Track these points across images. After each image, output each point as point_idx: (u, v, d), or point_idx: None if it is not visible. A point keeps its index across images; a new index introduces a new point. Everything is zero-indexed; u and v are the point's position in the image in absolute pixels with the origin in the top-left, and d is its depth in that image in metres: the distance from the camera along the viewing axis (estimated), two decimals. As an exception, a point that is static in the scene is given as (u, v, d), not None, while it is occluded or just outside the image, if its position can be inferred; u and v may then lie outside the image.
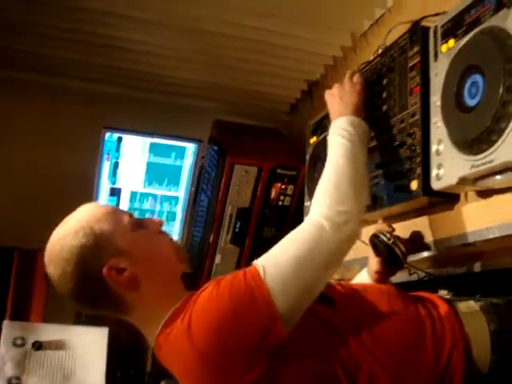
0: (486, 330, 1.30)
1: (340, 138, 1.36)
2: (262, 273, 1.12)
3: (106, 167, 2.56)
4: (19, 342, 2.53)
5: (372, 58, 1.74)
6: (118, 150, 2.53)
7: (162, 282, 1.25)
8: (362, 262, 1.88)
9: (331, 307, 1.25)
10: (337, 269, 1.26)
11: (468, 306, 1.37)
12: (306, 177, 2.15)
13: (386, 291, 1.38)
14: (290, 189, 2.44)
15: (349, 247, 1.25)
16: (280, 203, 2.44)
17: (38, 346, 2.54)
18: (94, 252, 1.20)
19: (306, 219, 1.24)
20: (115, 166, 2.56)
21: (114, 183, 2.58)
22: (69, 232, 1.22)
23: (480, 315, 1.33)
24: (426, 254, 1.55)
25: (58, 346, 2.59)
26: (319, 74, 2.56)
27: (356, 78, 1.54)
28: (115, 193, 2.60)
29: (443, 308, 1.34)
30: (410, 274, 1.63)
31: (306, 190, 2.14)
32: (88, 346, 2.62)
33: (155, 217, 2.70)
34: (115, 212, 1.29)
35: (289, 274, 1.13)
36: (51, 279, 1.24)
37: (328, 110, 1.52)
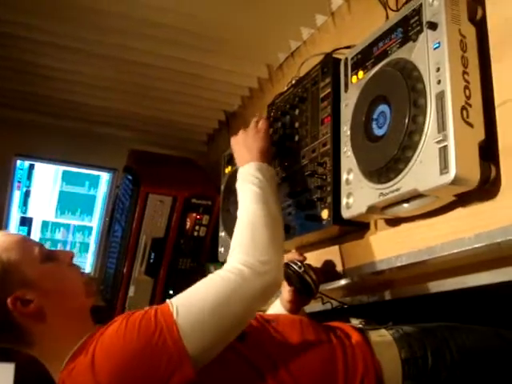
0: (397, 358, 1.30)
1: (250, 184, 1.34)
2: (174, 312, 1.09)
3: (17, 196, 2.47)
4: None
5: (285, 88, 1.76)
6: (29, 177, 2.44)
7: (69, 316, 1.21)
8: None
9: (242, 341, 1.23)
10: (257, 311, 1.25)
11: (380, 335, 1.37)
12: (221, 207, 2.14)
13: (298, 321, 1.37)
14: (206, 219, 2.41)
15: (271, 294, 1.24)
16: (195, 233, 2.41)
17: None
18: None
19: (225, 265, 1.20)
20: (26, 194, 2.47)
21: (24, 212, 2.49)
22: None
23: (391, 343, 1.34)
24: (338, 282, 1.55)
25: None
26: (237, 105, 2.57)
27: (261, 123, 1.53)
28: (26, 222, 2.51)
29: (355, 337, 1.33)
30: (323, 303, 1.63)
31: (220, 220, 2.13)
32: (-9, 384, 2.49)
33: (67, 248, 2.61)
34: (25, 242, 1.26)
35: (203, 319, 1.10)
36: None
37: (234, 156, 1.52)
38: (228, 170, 2.11)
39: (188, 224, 2.39)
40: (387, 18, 1.46)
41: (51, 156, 2.53)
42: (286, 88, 1.76)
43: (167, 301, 1.13)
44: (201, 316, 1.10)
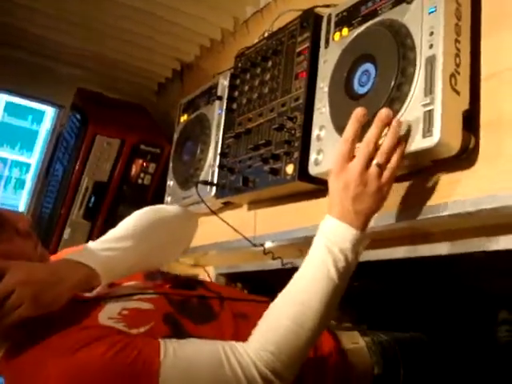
0: (369, 373, 1.28)
1: (332, 262, 1.03)
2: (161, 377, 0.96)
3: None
4: None
5: (257, 40, 1.73)
6: (-31, 100, 2.32)
7: None
8: (218, 247, 1.87)
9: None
10: None
11: (353, 341, 1.32)
12: (172, 156, 2.10)
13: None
14: (152, 167, 2.37)
15: None
16: (140, 181, 2.37)
17: None
18: None
19: (250, 351, 1.02)
20: (-37, 120, 2.35)
21: (-41, 140, 2.37)
22: None
23: (366, 355, 1.29)
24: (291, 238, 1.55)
25: None
26: (193, 55, 2.52)
27: (389, 175, 1.06)
28: (-41, 150, 2.38)
29: (327, 343, 1.27)
30: (274, 259, 1.62)
31: (170, 169, 2.10)
32: None
33: (1, 184, 2.51)
34: None
35: None
36: None
37: (329, 195, 1.12)
38: (184, 118, 2.07)
39: (133, 171, 2.34)
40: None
41: (-3, 84, 2.40)
42: (257, 40, 1.73)
43: (161, 351, 0.98)
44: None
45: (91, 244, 1.20)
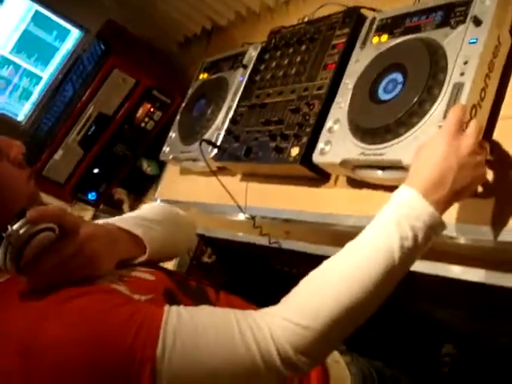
0: None
1: (397, 239, 0.90)
2: (159, 348, 0.84)
3: (-21, 14, 2.34)
4: None
5: (296, 22, 1.77)
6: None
7: None
8: (205, 208, 1.90)
9: None
10: None
11: (335, 360, 1.25)
12: (182, 109, 2.14)
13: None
14: (158, 115, 2.39)
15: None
16: (142, 124, 2.39)
17: None
18: None
19: (269, 320, 0.89)
20: (-11, 17, 2.35)
21: (-20, 34, 2.37)
22: None
23: (347, 377, 1.23)
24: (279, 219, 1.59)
25: None
26: (227, 19, 2.52)
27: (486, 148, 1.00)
28: (-24, 44, 2.38)
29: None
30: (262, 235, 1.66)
31: (176, 121, 2.13)
32: None
33: (8, 90, 2.51)
34: None
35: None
36: None
37: (418, 160, 0.99)
38: (203, 76, 2.10)
39: (139, 113, 2.37)
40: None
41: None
42: (296, 22, 1.76)
43: (162, 323, 0.87)
44: (192, 375, 0.86)
45: (128, 217, 1.18)
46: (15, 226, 0.90)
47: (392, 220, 0.91)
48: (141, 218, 1.18)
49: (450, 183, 0.93)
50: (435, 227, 0.92)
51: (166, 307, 0.90)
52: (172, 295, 1.03)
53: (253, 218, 1.68)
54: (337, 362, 1.24)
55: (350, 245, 0.95)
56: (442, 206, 0.93)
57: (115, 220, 1.13)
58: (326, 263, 0.95)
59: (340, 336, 0.93)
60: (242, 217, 1.73)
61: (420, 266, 1.23)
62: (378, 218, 0.94)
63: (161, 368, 0.84)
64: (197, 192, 1.98)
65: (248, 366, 0.87)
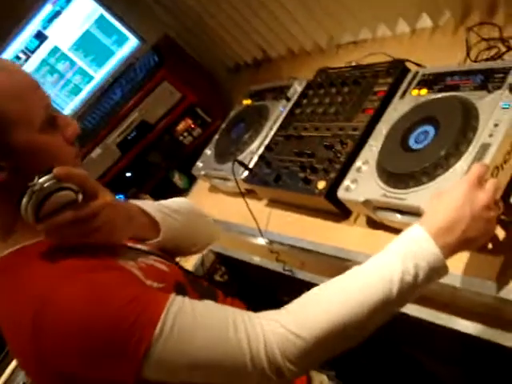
0: None
1: (399, 273, 0.94)
2: (157, 329, 0.91)
3: (47, 10, 2.45)
4: None
5: (343, 65, 1.85)
6: (68, 1, 2.44)
7: None
8: (222, 224, 1.96)
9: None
10: None
11: (320, 381, 1.32)
12: (221, 129, 2.22)
13: None
14: (197, 132, 2.47)
15: None
16: (181, 138, 2.47)
17: None
18: None
19: (252, 327, 0.94)
20: (56, 13, 2.46)
21: (44, 28, 2.47)
22: None
23: None
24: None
25: None
26: (278, 53, 2.61)
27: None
28: (40, 38, 2.48)
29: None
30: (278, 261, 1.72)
31: (214, 140, 2.21)
32: None
33: (60, 84, 2.61)
34: (35, 92, 1.02)
35: (180, 366, 0.94)
36: None
37: (435, 204, 1.03)
38: (247, 102, 2.19)
39: (180, 126, 2.45)
40: (466, 59, 1.56)
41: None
42: (343, 65, 1.85)
43: (165, 308, 0.93)
44: (181, 361, 0.93)
45: (151, 202, 1.28)
46: (41, 179, 0.97)
47: (399, 254, 0.97)
48: (163, 205, 1.28)
49: (460, 231, 0.97)
50: (438, 269, 0.96)
51: (172, 295, 0.96)
52: (182, 288, 1.10)
53: (271, 242, 1.75)
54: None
55: (356, 268, 1.00)
56: (448, 250, 0.97)
57: (138, 201, 1.23)
58: (331, 281, 1.00)
59: (328, 352, 0.98)
60: (261, 241, 1.80)
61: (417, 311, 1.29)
62: (387, 248, 1.00)
63: (154, 350, 0.90)
64: (221, 210, 2.04)
65: (236, 361, 0.92)
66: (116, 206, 1.08)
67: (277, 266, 1.81)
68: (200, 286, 1.21)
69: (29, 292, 0.97)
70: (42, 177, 0.98)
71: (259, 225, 1.75)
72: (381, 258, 1.00)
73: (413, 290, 0.95)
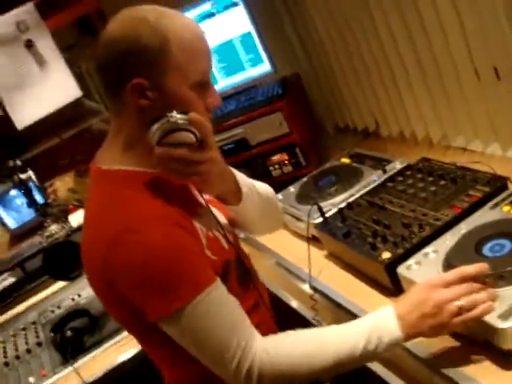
0: None
1: (364, 341, 1.20)
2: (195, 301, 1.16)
3: (204, 8, 2.64)
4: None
5: (447, 161, 1.92)
6: (226, 7, 2.61)
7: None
8: (277, 257, 2.02)
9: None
10: None
11: None
12: (311, 174, 2.31)
13: None
14: (288, 169, 2.56)
15: None
16: (271, 168, 2.57)
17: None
18: (142, 57, 1.15)
19: (249, 348, 1.19)
20: (210, 15, 2.64)
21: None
22: (149, 25, 1.15)
23: None
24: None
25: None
26: (389, 132, 2.63)
27: (459, 320, 1.21)
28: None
29: None
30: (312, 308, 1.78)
31: (301, 181, 2.30)
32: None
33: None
34: (203, 55, 1.22)
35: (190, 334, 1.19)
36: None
37: (407, 293, 1.30)
38: (344, 160, 2.29)
39: (275, 157, 2.55)
40: None
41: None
42: (447, 161, 1.91)
43: (207, 289, 1.18)
44: (188, 333, 1.19)
45: (245, 176, 1.45)
46: (178, 115, 1.17)
47: (369, 326, 1.23)
48: (251, 182, 1.46)
49: (419, 322, 1.21)
50: (395, 346, 1.22)
51: (218, 281, 1.21)
52: (228, 267, 1.31)
53: (315, 290, 1.80)
54: None
55: (335, 327, 1.28)
56: (409, 334, 1.22)
57: (234, 170, 1.40)
58: (315, 330, 1.31)
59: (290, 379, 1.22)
60: (305, 285, 1.86)
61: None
62: (364, 318, 1.28)
63: (176, 315, 1.15)
64: (281, 245, 2.11)
65: (224, 361, 1.17)
66: (219, 164, 1.25)
67: (307, 313, 1.88)
68: (242, 265, 1.40)
69: (118, 214, 1.18)
70: (180, 113, 1.17)
71: (311, 270, 1.81)
72: (355, 325, 1.26)
73: (372, 355, 1.22)
